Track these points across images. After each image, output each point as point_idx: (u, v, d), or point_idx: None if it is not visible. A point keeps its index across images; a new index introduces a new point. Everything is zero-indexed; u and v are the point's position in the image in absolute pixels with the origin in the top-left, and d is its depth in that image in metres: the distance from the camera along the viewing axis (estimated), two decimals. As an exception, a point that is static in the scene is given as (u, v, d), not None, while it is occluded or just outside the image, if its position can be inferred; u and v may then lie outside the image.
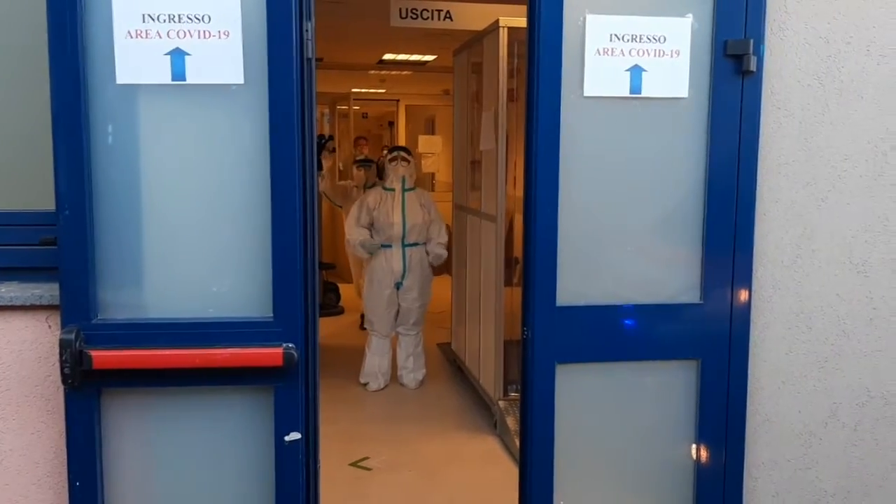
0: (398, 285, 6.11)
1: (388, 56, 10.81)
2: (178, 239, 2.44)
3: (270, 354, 2.37)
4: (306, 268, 2.45)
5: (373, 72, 12.25)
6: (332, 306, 8.47)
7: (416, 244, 5.95)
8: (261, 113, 2.40)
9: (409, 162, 5.75)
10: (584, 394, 2.74)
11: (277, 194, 2.40)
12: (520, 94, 5.32)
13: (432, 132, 13.28)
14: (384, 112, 14.91)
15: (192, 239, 2.44)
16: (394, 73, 12.38)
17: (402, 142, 13.04)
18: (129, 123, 2.41)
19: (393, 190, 5.74)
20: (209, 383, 2.43)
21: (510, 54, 5.23)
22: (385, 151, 11.70)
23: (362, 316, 6.88)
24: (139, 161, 2.42)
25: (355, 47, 9.88)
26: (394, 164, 5.72)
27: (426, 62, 11.21)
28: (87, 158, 2.37)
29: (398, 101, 13.48)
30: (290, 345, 2.40)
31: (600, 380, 2.75)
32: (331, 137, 9.16)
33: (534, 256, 2.64)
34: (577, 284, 2.68)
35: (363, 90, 13.29)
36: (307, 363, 2.46)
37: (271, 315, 2.43)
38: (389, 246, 5.89)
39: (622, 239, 2.71)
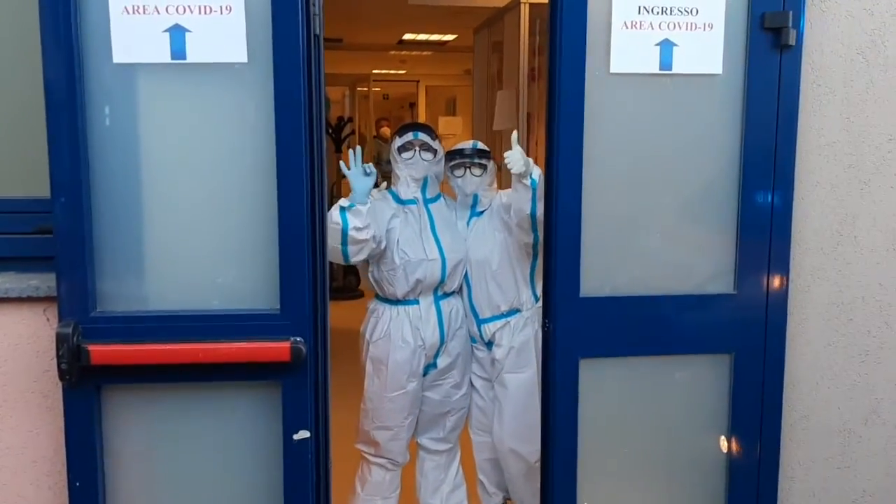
0: (428, 369, 3.34)
1: (408, 36, 10.63)
2: (179, 227, 2.31)
3: (277, 349, 2.24)
4: (315, 257, 2.31)
5: (393, 52, 12.06)
6: (352, 289, 8.34)
7: (453, 293, 3.35)
8: (266, 93, 2.26)
9: (434, 154, 3.27)
10: (609, 390, 2.59)
11: (284, 179, 2.26)
12: (542, 72, 5.14)
13: (453, 113, 13.08)
14: (405, 93, 14.73)
15: (195, 227, 2.31)
16: (414, 53, 12.19)
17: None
18: (128, 105, 2.27)
19: (413, 202, 3.27)
20: (214, 379, 2.31)
21: (531, 32, 5.04)
22: (380, 126, 10.67)
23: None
24: (138, 145, 2.28)
25: (375, 27, 9.71)
26: (407, 155, 3.24)
27: (446, 42, 11.02)
28: (84, 142, 2.23)
29: (418, 81, 13.30)
30: (298, 339, 2.27)
31: (627, 375, 2.59)
32: (350, 119, 9.00)
33: (555, 244, 2.48)
34: (601, 274, 2.52)
35: (383, 71, 13.12)
36: (316, 357, 2.32)
37: (278, 307, 2.29)
38: (412, 302, 3.25)
39: (650, 225, 2.54)
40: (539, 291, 3.33)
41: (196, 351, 2.22)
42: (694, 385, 2.63)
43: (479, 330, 3.36)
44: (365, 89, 12.84)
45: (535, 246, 3.23)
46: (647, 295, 2.54)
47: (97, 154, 2.26)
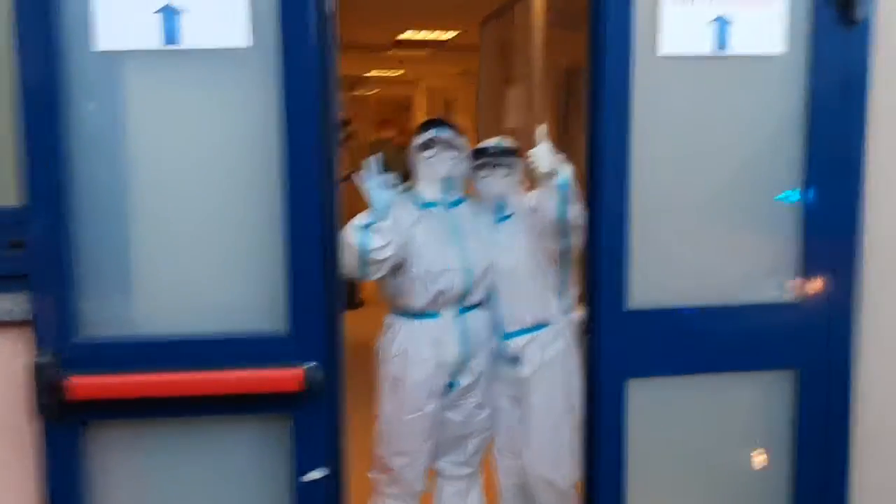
0: (451, 387, 3.02)
1: (406, 35, 10.34)
2: (173, 239, 2.03)
3: (288, 377, 1.95)
4: (327, 271, 2.03)
5: (390, 52, 11.79)
6: (350, 299, 8.05)
7: (478, 305, 3.04)
8: (272, 82, 1.97)
9: (457, 152, 2.96)
10: (659, 413, 2.32)
11: (293, 183, 1.97)
12: (556, 67, 4.88)
13: (452, 113, 12.85)
14: (401, 97, 14.52)
15: (191, 238, 2.03)
16: (412, 53, 11.91)
17: (421, 125, 12.48)
18: (113, 100, 2.00)
19: (435, 205, 3.00)
20: (214, 413, 2.03)
21: (547, 23, 4.77)
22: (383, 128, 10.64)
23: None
24: (125, 145, 2.01)
25: (371, 25, 9.41)
26: (429, 154, 2.95)
27: (446, 41, 10.74)
28: (62, 143, 1.96)
29: (417, 82, 13.05)
30: (313, 364, 1.98)
31: (679, 396, 2.32)
32: (348, 122, 8.70)
33: (598, 249, 2.21)
34: (650, 283, 2.25)
35: (380, 73, 12.85)
36: (331, 386, 2.03)
37: (287, 329, 2.00)
38: (433, 315, 2.97)
39: (703, 227, 2.28)
40: (570, 303, 3.04)
41: (194, 382, 1.94)
42: (755, 405, 2.36)
43: (505, 345, 3.07)
44: (363, 92, 12.59)
45: (565, 253, 2.93)
46: (700, 306, 2.27)
47: (78, 157, 1.98)
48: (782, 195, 2.28)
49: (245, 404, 2.00)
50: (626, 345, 2.22)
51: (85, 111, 1.97)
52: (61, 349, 1.95)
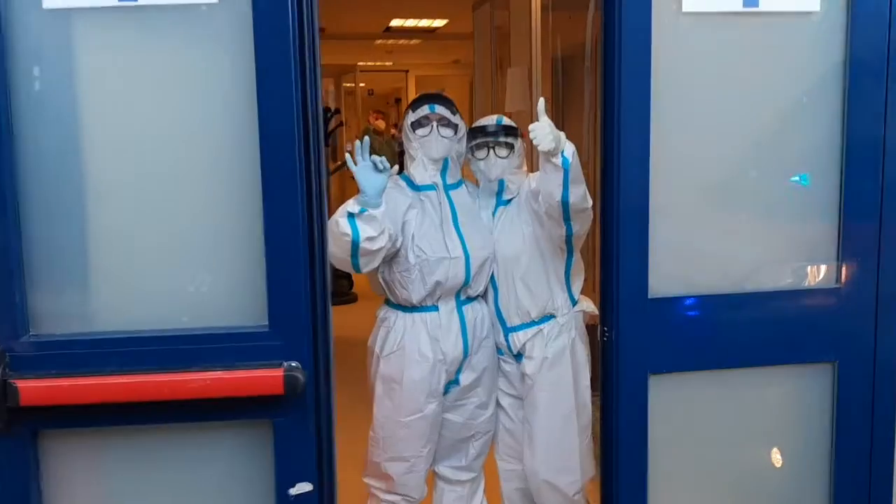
0: (450, 387, 2.76)
1: (395, 23, 10.12)
2: (135, 222, 1.80)
3: (267, 378, 1.71)
4: (313, 257, 1.79)
5: (379, 41, 11.56)
6: (343, 293, 7.83)
7: (478, 297, 2.81)
8: (244, 44, 1.73)
9: (454, 130, 2.70)
10: (685, 411, 2.11)
11: (269, 156, 1.73)
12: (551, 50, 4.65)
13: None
14: (391, 89, 14.29)
15: (156, 222, 1.80)
16: (401, 42, 11.69)
17: (412, 116, 12.27)
18: (62, 65, 1.76)
19: (432, 188, 2.72)
20: (185, 419, 1.78)
21: (545, 6, 4.53)
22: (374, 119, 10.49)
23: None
24: (79, 116, 1.77)
25: (360, 13, 9.19)
26: (423, 132, 2.69)
27: (436, 29, 10.52)
28: (6, 113, 1.72)
29: (407, 71, 12.82)
30: (294, 363, 1.74)
31: (706, 393, 2.11)
32: (337, 111, 8.47)
33: (616, 232, 1.98)
34: (673, 268, 2.04)
35: (369, 63, 12.61)
36: (317, 387, 1.79)
37: (266, 323, 1.76)
38: (431, 309, 2.69)
39: (733, 204, 2.06)
40: (576, 293, 2.80)
41: (160, 385, 1.69)
42: (789, 402, 2.14)
43: (507, 340, 2.83)
44: (351, 85, 12.37)
45: (569, 240, 2.69)
46: (729, 293, 2.06)
47: (23, 129, 1.74)
48: (795, 178, 2.05)
49: (219, 409, 1.76)
50: (648, 337, 2.01)
51: (30, 78, 1.72)
52: (8, 348, 1.71)
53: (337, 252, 2.40)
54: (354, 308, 7.30)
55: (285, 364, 1.73)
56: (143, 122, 1.76)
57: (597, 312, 2.82)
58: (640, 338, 2.00)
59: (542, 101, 2.36)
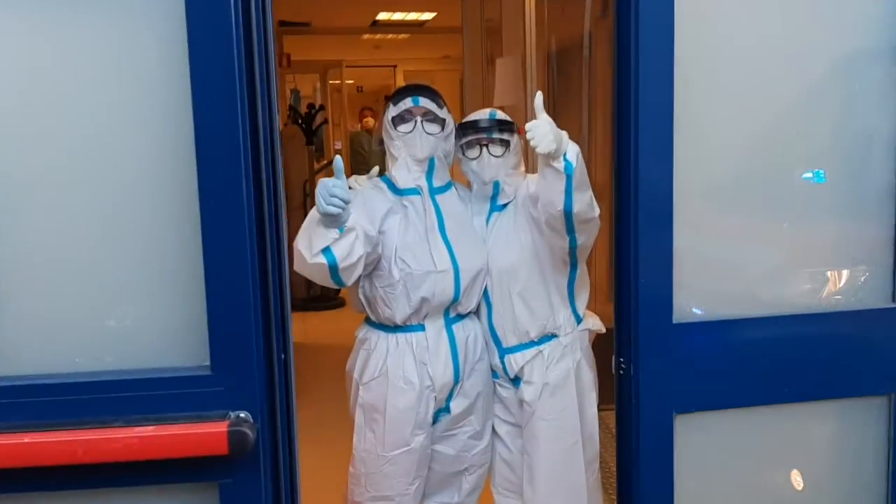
0: (439, 415, 2.47)
1: (382, 16, 9.81)
2: (43, 239, 1.45)
3: (207, 436, 1.37)
4: (265, 277, 1.45)
5: (366, 36, 11.23)
6: (330, 298, 7.53)
7: (470, 314, 2.50)
8: (173, 20, 1.39)
9: (441, 126, 2.37)
10: (718, 455, 1.79)
11: (206, 157, 1.39)
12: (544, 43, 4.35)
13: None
14: (379, 86, 14.00)
15: (70, 238, 1.45)
16: (389, 36, 11.37)
17: (401, 113, 11.98)
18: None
19: (416, 192, 2.38)
20: (106, 485, 1.43)
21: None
22: (364, 117, 9.99)
23: None
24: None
25: (346, 7, 8.89)
26: (406, 128, 2.36)
27: (424, 22, 10.21)
28: None
29: (395, 66, 12.50)
30: (242, 414, 1.41)
31: (742, 434, 1.80)
32: (321, 108, 8.14)
33: (633, 243, 1.66)
34: (702, 287, 1.72)
35: (356, 58, 12.29)
36: (275, 442, 1.45)
37: (208, 364, 1.42)
38: (416, 329, 2.40)
39: (772, 211, 1.74)
40: (581, 310, 2.48)
41: (73, 446, 1.35)
42: (837, 443, 1.81)
43: (503, 362, 2.50)
44: (338, 81, 12.05)
45: (572, 251, 2.36)
46: (768, 316, 1.73)
47: None
48: (808, 174, 1.74)
49: (152, 471, 1.42)
50: (673, 370, 1.69)
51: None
52: None
53: (314, 277, 2.12)
54: (342, 314, 6.98)
55: (231, 415, 1.40)
56: (52, 117, 1.42)
57: (604, 330, 2.51)
58: (663, 371, 1.68)
59: (539, 95, 2.02)
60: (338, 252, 2.10)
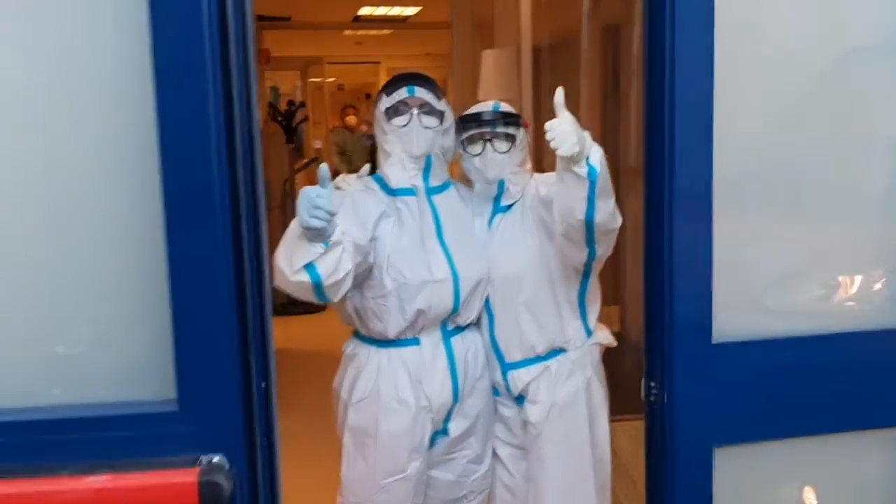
0: (436, 437, 2.22)
1: (364, 10, 9.61)
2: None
3: (173, 485, 1.14)
4: (242, 291, 1.23)
5: (348, 32, 11.03)
6: (312, 301, 7.32)
7: (469, 326, 2.26)
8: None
9: (440, 118, 2.14)
10: (763, 495, 1.55)
11: (172, 154, 1.16)
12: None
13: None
14: (361, 83, 13.83)
15: (5, 249, 1.20)
16: (371, 32, 11.18)
17: (383, 111, 11.81)
18: None
19: (411, 193, 2.15)
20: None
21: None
22: (346, 115, 10.00)
23: None
24: None
25: (327, 2, 8.69)
26: (400, 121, 2.12)
27: (407, 17, 10.02)
28: None
29: (379, 63, 12.32)
30: (216, 459, 1.18)
31: (793, 469, 1.58)
32: (302, 104, 7.93)
33: (668, 253, 1.44)
34: (744, 300, 1.49)
35: (338, 55, 12.11)
36: (255, 492, 1.22)
37: (175, 397, 1.19)
38: (411, 343, 2.15)
39: (827, 210, 1.55)
40: (593, 322, 2.27)
41: (8, 501, 1.11)
42: None
43: (505, 379, 2.29)
44: (319, 79, 11.88)
45: (589, 263, 2.16)
46: (824, 334, 1.51)
47: None
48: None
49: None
50: (711, 395, 1.46)
51: None
52: None
53: (296, 294, 1.90)
54: (325, 318, 6.75)
55: (203, 461, 1.17)
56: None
57: (615, 343, 2.31)
58: (702, 398, 1.47)
59: (560, 91, 1.80)
60: (322, 269, 1.86)
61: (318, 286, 1.89)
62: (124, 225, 1.21)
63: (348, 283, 1.98)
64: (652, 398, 1.52)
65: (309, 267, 1.87)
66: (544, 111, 4.25)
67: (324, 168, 1.82)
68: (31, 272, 1.21)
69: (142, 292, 1.21)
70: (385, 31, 11.03)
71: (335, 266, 1.87)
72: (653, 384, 1.51)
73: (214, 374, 1.20)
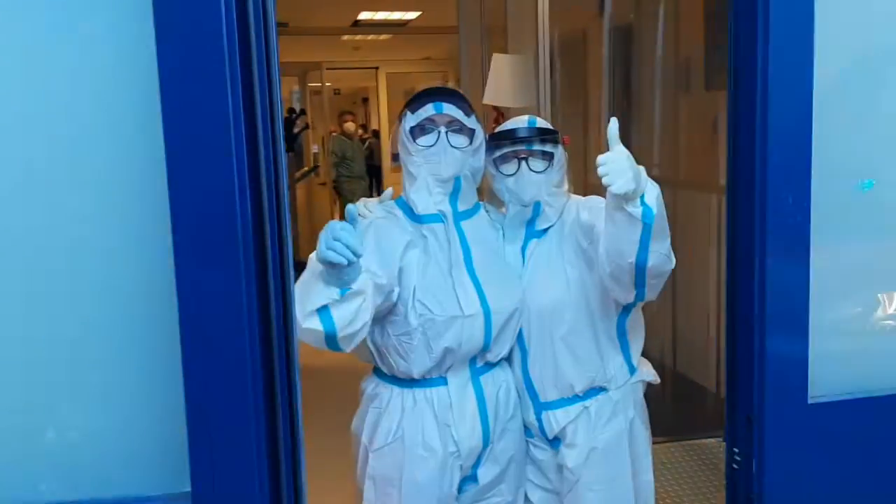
0: (466, 483, 1.99)
1: (364, 16, 9.46)
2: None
3: None
4: (268, 354, 1.03)
5: (346, 37, 10.87)
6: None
7: (500, 363, 2.04)
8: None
9: (469, 138, 1.90)
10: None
11: (180, 193, 0.97)
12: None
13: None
14: (358, 88, 13.68)
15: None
16: (370, 38, 11.02)
17: (382, 116, 11.60)
18: None
19: (439, 220, 1.92)
20: None
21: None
22: (344, 121, 10.14)
23: None
24: None
25: (325, 6, 8.55)
26: (427, 141, 1.88)
27: (407, 22, 9.88)
28: None
29: (377, 68, 12.19)
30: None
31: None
32: (303, 112, 7.73)
33: (758, 297, 1.24)
34: (846, 350, 1.28)
35: (336, 60, 11.98)
36: None
37: (188, 490, 0.99)
38: (437, 383, 1.95)
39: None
40: (636, 358, 2.07)
41: None
42: None
43: (539, 420, 2.09)
44: (318, 84, 11.75)
45: (635, 303, 1.97)
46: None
47: None
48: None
49: None
50: (808, 463, 1.26)
51: None
52: None
53: (304, 341, 1.68)
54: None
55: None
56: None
57: (658, 381, 2.10)
58: (796, 466, 1.26)
59: (613, 122, 1.59)
60: (338, 317, 1.63)
61: (331, 337, 1.67)
62: (129, 280, 1.01)
63: (364, 334, 1.78)
64: (735, 466, 1.32)
65: (323, 313, 1.65)
66: (556, 111, 4.13)
67: (351, 208, 1.62)
68: (17, 346, 1.00)
69: (148, 364, 1.01)
70: (383, 37, 10.91)
71: (353, 317, 1.66)
72: (736, 450, 1.31)
73: (236, 459, 1.00)
